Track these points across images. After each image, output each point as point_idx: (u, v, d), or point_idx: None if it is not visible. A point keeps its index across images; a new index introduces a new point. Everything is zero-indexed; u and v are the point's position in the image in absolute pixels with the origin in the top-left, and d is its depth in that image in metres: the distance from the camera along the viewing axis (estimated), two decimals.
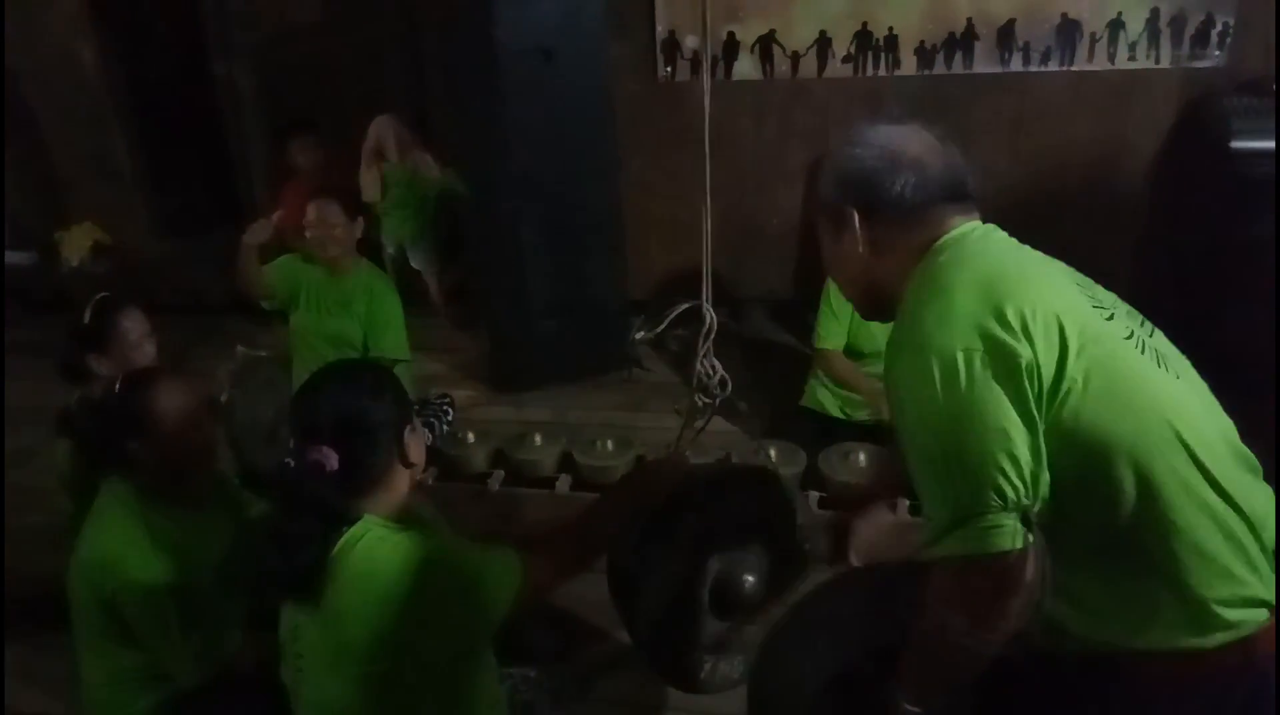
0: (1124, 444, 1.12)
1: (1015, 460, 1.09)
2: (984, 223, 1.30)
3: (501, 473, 2.91)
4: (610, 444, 2.87)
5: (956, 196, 1.27)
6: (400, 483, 1.46)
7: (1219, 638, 1.15)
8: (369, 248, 3.44)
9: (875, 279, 1.31)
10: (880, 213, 1.27)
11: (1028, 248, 1.28)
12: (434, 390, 3.65)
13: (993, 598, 1.12)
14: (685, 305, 3.45)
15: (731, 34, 3.73)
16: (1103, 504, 1.15)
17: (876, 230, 1.28)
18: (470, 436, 3.01)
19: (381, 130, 4.07)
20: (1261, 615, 1.16)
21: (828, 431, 2.96)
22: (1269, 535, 1.20)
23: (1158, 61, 3.42)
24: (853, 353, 2.98)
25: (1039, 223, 3.69)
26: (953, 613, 1.15)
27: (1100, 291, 1.26)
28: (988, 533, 1.10)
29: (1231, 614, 1.15)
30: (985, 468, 1.09)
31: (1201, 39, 3.36)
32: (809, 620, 1.56)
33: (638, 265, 4.12)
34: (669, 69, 3.87)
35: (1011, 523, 1.10)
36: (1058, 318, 1.13)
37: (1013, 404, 1.10)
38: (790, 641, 1.55)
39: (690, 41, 3.79)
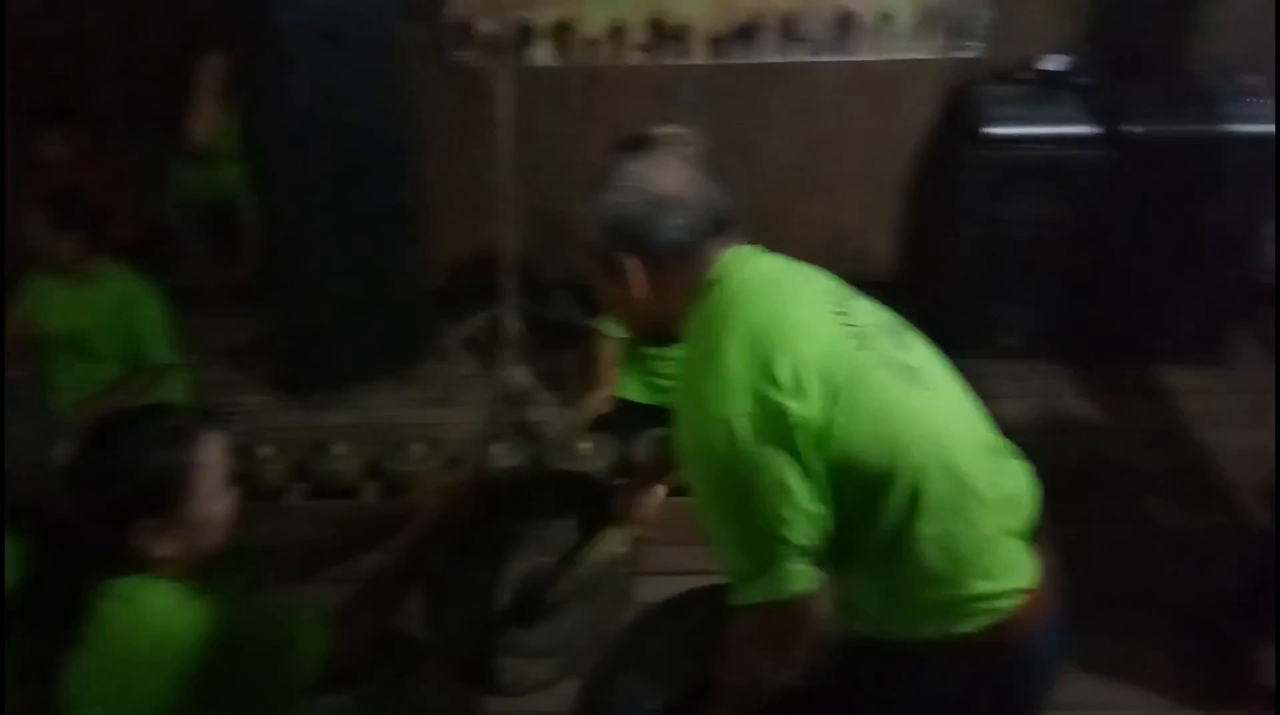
0: (888, 468, 1.24)
1: (799, 509, 1.20)
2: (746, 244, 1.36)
3: (302, 486, 2.79)
4: (419, 447, 2.80)
5: (721, 227, 1.33)
6: (192, 533, 1.39)
7: (977, 622, 1.29)
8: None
9: (656, 317, 1.37)
10: (655, 258, 1.30)
11: (787, 266, 1.35)
12: (219, 399, 3.42)
13: (792, 637, 1.27)
14: (487, 314, 3.44)
15: (526, 20, 3.67)
16: (875, 524, 1.26)
17: (654, 274, 1.31)
18: (265, 450, 2.85)
19: (214, 72, 3.71)
20: (1016, 600, 1.30)
21: (643, 419, 3.01)
22: (1025, 510, 1.36)
23: (925, 52, 3.66)
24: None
25: (824, 206, 3.99)
26: (756, 653, 1.28)
27: (857, 306, 1.35)
28: (782, 580, 1.21)
29: (988, 605, 1.29)
30: (773, 522, 1.20)
31: (960, 30, 3.63)
32: (626, 662, 1.63)
33: (441, 253, 4.02)
34: (462, 54, 3.76)
35: (803, 567, 1.22)
36: (822, 365, 1.22)
37: (790, 458, 1.20)
38: (609, 684, 1.62)
39: (484, 25, 3.71)
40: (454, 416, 3.38)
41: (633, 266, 1.31)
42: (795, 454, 1.20)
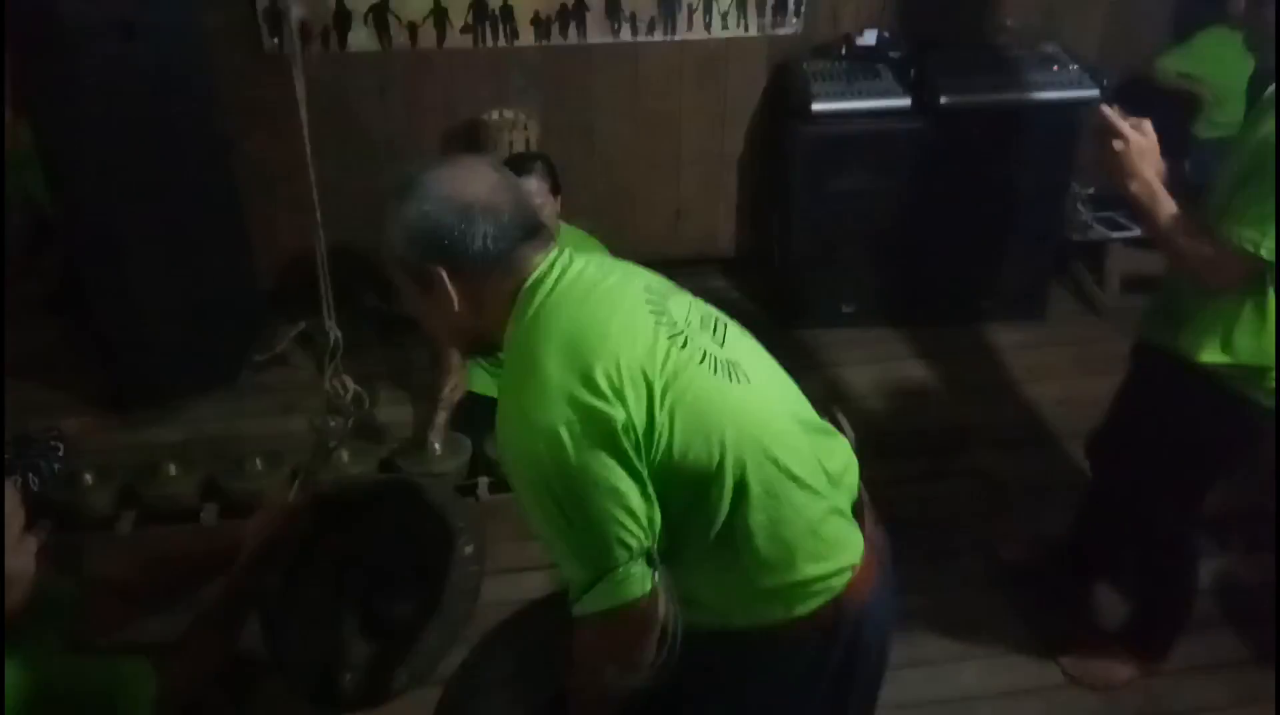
0: (714, 465, 1.26)
1: (631, 512, 1.21)
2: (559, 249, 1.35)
3: (133, 513, 2.61)
4: (259, 461, 2.66)
5: (531, 233, 1.31)
6: None
7: (813, 603, 1.34)
8: None
9: (473, 329, 1.35)
10: (467, 269, 1.27)
11: (602, 268, 1.35)
12: (34, 424, 3.15)
13: (635, 641, 1.27)
14: (301, 325, 3.28)
15: (340, 3, 3.51)
16: (707, 519, 1.29)
17: (468, 285, 1.29)
18: (88, 476, 2.65)
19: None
20: (845, 577, 1.36)
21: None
22: (848, 486, 1.44)
23: (746, 29, 3.72)
24: None
25: (663, 185, 4.01)
26: (603, 661, 1.31)
27: (675, 302, 1.36)
28: (620, 585, 1.22)
29: (821, 585, 1.34)
30: (606, 527, 1.20)
31: (780, 7, 3.70)
32: (478, 686, 1.62)
33: (267, 251, 3.82)
34: (275, 40, 3.56)
35: (639, 569, 1.23)
36: (641, 368, 1.23)
37: (617, 462, 1.20)
38: (464, 710, 1.60)
39: (295, 10, 3.51)
40: (294, 425, 3.22)
41: (444, 278, 1.28)
42: (622, 457, 1.20)
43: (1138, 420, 2.19)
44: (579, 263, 1.33)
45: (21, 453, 2.99)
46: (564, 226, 2.91)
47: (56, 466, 3.07)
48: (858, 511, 1.44)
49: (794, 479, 1.31)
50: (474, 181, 1.27)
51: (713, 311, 1.42)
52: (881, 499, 2.71)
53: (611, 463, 1.19)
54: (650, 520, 1.23)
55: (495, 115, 3.64)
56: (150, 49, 2.98)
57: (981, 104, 3.44)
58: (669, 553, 1.28)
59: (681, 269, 4.06)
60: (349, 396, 1.89)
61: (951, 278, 3.76)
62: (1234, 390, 1.94)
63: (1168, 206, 1.80)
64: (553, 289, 1.28)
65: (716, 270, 4.21)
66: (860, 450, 2.82)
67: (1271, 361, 1.87)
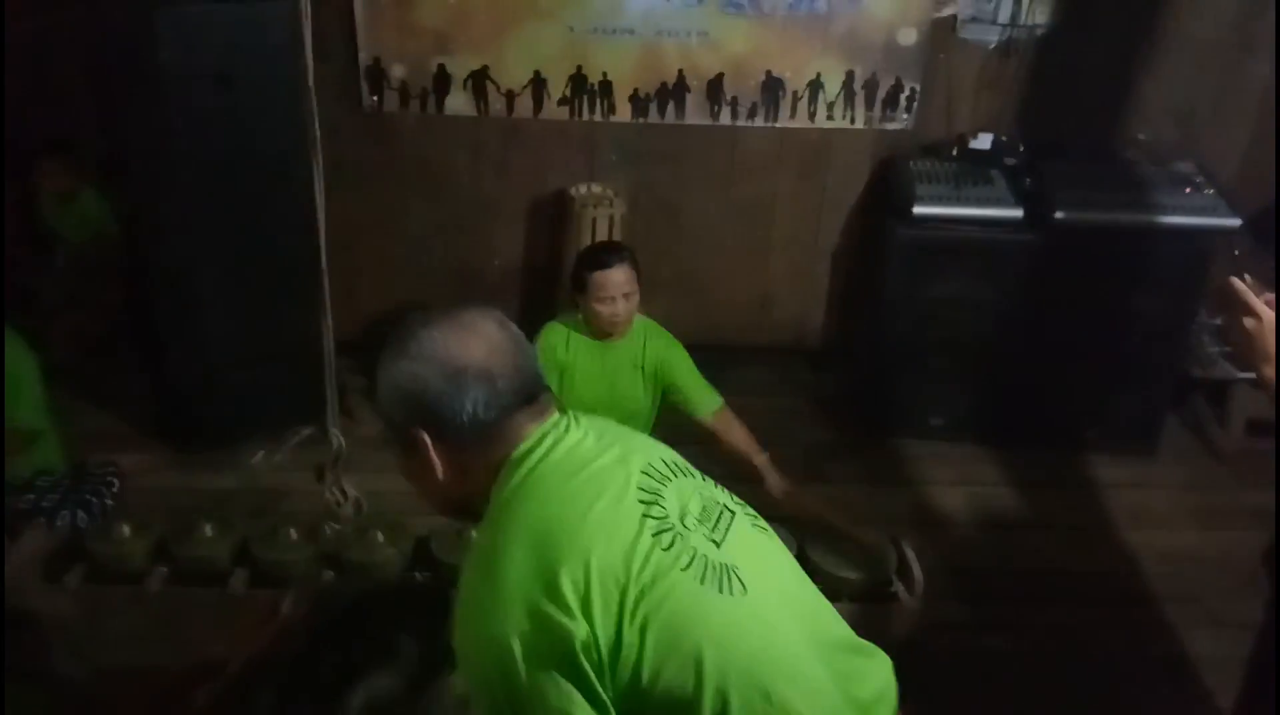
0: (691, 690, 1.08)
1: None
2: (559, 415, 1.23)
3: (164, 570, 2.55)
4: (293, 533, 2.57)
5: (528, 399, 1.19)
6: None
7: None
8: None
9: (458, 495, 1.23)
10: (453, 436, 1.16)
11: (600, 441, 1.21)
12: (93, 457, 3.17)
13: None
14: (307, 431, 3.24)
15: (442, 66, 3.50)
16: None
17: (453, 453, 1.18)
18: (125, 528, 2.60)
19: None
20: None
21: None
22: (884, 711, 1.22)
23: (853, 122, 3.55)
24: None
25: (750, 271, 3.85)
26: None
27: (674, 489, 1.20)
28: None
29: None
30: None
31: (891, 102, 3.53)
32: None
33: (344, 306, 3.80)
34: (375, 98, 3.57)
35: None
36: (614, 573, 1.08)
37: (573, 685, 1.05)
38: None
39: (397, 70, 3.52)
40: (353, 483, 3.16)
41: (428, 445, 1.17)
42: (581, 681, 1.05)
43: None
44: (575, 434, 1.20)
45: (75, 487, 3.00)
46: (640, 320, 2.78)
47: (109, 503, 3.07)
48: None
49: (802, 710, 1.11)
50: (472, 343, 1.16)
51: (721, 499, 1.26)
52: (943, 647, 2.55)
53: (566, 686, 1.04)
54: None
55: (583, 189, 3.56)
56: (246, 100, 3.00)
57: (1101, 223, 3.18)
58: None
59: (766, 358, 4.00)
60: (348, 504, 1.80)
61: (1054, 401, 3.48)
62: None
63: None
64: (537, 465, 1.16)
65: (803, 363, 4.02)
66: (927, 583, 2.65)
67: None
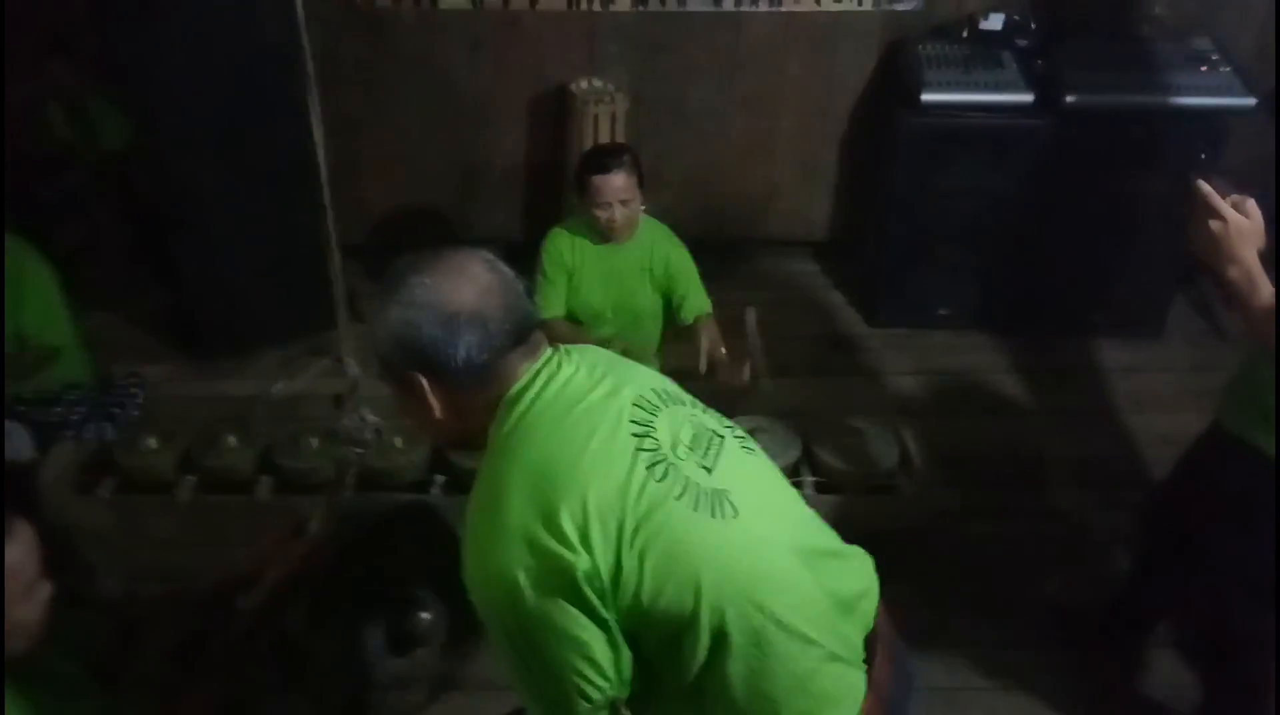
0: (688, 612, 1.15)
1: (593, 662, 1.14)
2: (551, 351, 1.26)
3: (191, 480, 2.66)
4: (315, 441, 2.66)
5: (520, 339, 1.22)
6: None
7: None
8: None
9: (457, 432, 1.28)
10: (449, 379, 1.20)
11: (591, 376, 1.25)
12: (118, 368, 3.25)
13: None
14: (324, 360, 3.25)
15: None
16: (681, 666, 1.18)
17: (449, 395, 1.22)
18: (151, 441, 2.70)
19: None
20: None
21: None
22: (866, 606, 1.32)
23: (860, 3, 3.44)
24: (572, 319, 2.89)
25: (758, 164, 3.80)
26: None
27: (666, 418, 1.24)
28: None
29: None
30: (566, 674, 1.14)
31: None
32: None
33: (350, 210, 3.80)
34: None
35: None
36: (611, 506, 1.13)
37: (579, 610, 1.12)
38: None
39: None
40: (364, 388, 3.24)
41: (425, 387, 1.21)
42: (584, 606, 1.13)
43: (1212, 514, 1.97)
44: (568, 369, 1.24)
45: (101, 399, 3.09)
46: (647, 222, 2.78)
47: (135, 413, 3.17)
48: (871, 644, 1.31)
49: (783, 627, 1.19)
50: (463, 286, 1.19)
51: (711, 425, 1.31)
52: (942, 535, 2.64)
53: (573, 611, 1.12)
54: (617, 668, 1.16)
55: (584, 84, 3.49)
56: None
57: (1113, 105, 3.12)
58: (641, 694, 1.21)
59: (772, 250, 3.99)
60: (367, 431, 1.86)
61: (1061, 286, 3.48)
62: None
63: (1266, 293, 1.59)
64: (532, 404, 1.20)
65: (808, 254, 4.02)
66: (929, 473, 2.73)
67: None
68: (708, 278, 2.89)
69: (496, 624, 1.16)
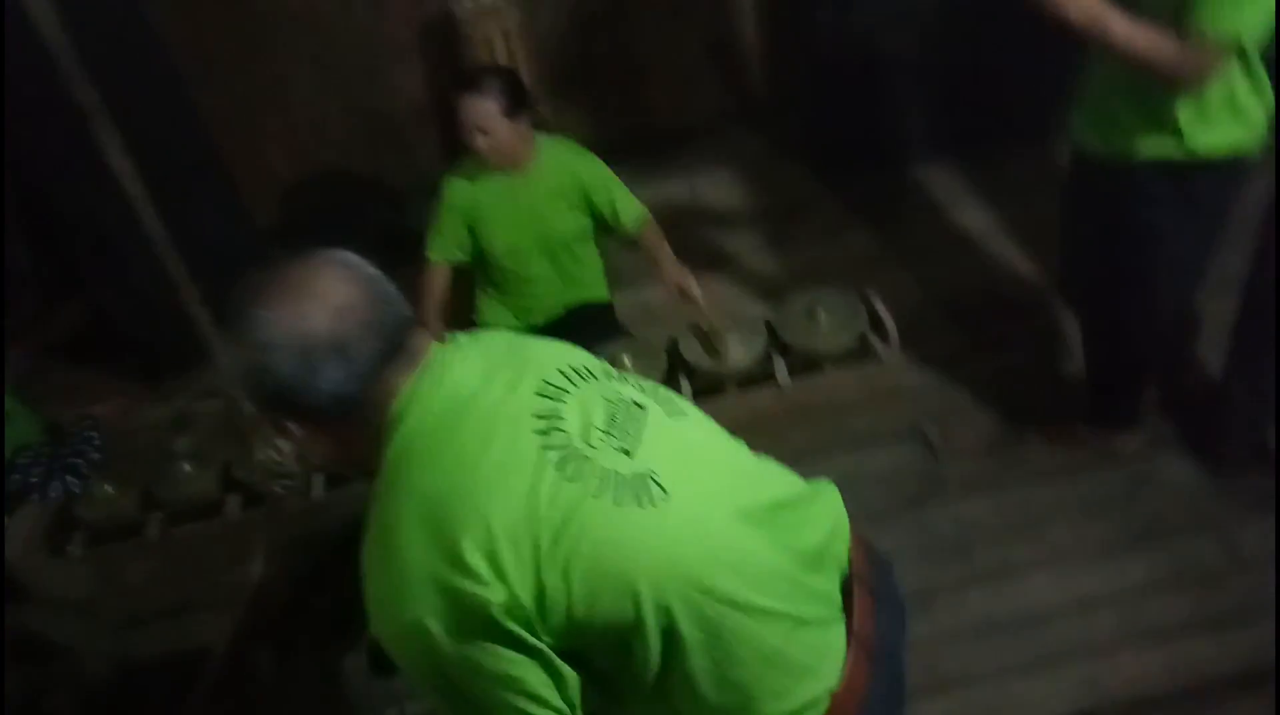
0: (630, 617, 1.03)
1: (532, 696, 1.02)
2: (435, 349, 1.11)
3: (159, 515, 2.58)
4: (273, 452, 2.55)
5: (393, 351, 1.06)
6: None
7: None
8: None
9: (351, 462, 1.14)
10: (320, 417, 1.05)
11: (486, 369, 1.10)
12: (67, 416, 3.13)
13: None
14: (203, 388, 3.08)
15: None
16: (638, 673, 1.07)
17: (325, 431, 1.08)
18: (108, 488, 2.60)
19: None
20: (822, 705, 1.13)
21: None
22: (837, 548, 1.20)
23: None
24: (502, 267, 2.72)
25: (665, 50, 3.55)
26: None
27: (575, 403, 1.10)
28: None
29: None
30: None
31: None
32: None
33: (262, 191, 3.63)
34: None
35: None
36: (520, 526, 1.00)
37: (504, 646, 1.00)
38: None
39: None
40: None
41: (298, 430, 1.07)
42: (510, 641, 1.00)
43: (1100, 238, 2.04)
44: (456, 370, 1.08)
45: (57, 452, 2.99)
46: (549, 141, 2.58)
47: (96, 457, 3.07)
48: (848, 587, 1.21)
49: (740, 608, 1.07)
50: (312, 312, 1.01)
51: (630, 395, 1.16)
52: (942, 381, 2.54)
53: (498, 649, 0.99)
54: (562, 696, 1.04)
55: (466, 4, 3.23)
56: None
57: None
58: (606, 702, 1.10)
59: (704, 134, 3.77)
60: (287, 460, 1.73)
61: (1015, 99, 3.23)
62: (1198, 180, 1.86)
63: (1118, 23, 1.69)
64: (418, 421, 1.05)
65: (744, 130, 3.80)
66: (917, 323, 2.61)
67: (1246, 139, 1.82)
68: (645, 175, 2.72)
69: (418, 677, 1.03)
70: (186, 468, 2.59)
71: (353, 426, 1.06)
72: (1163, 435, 2.36)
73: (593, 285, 2.77)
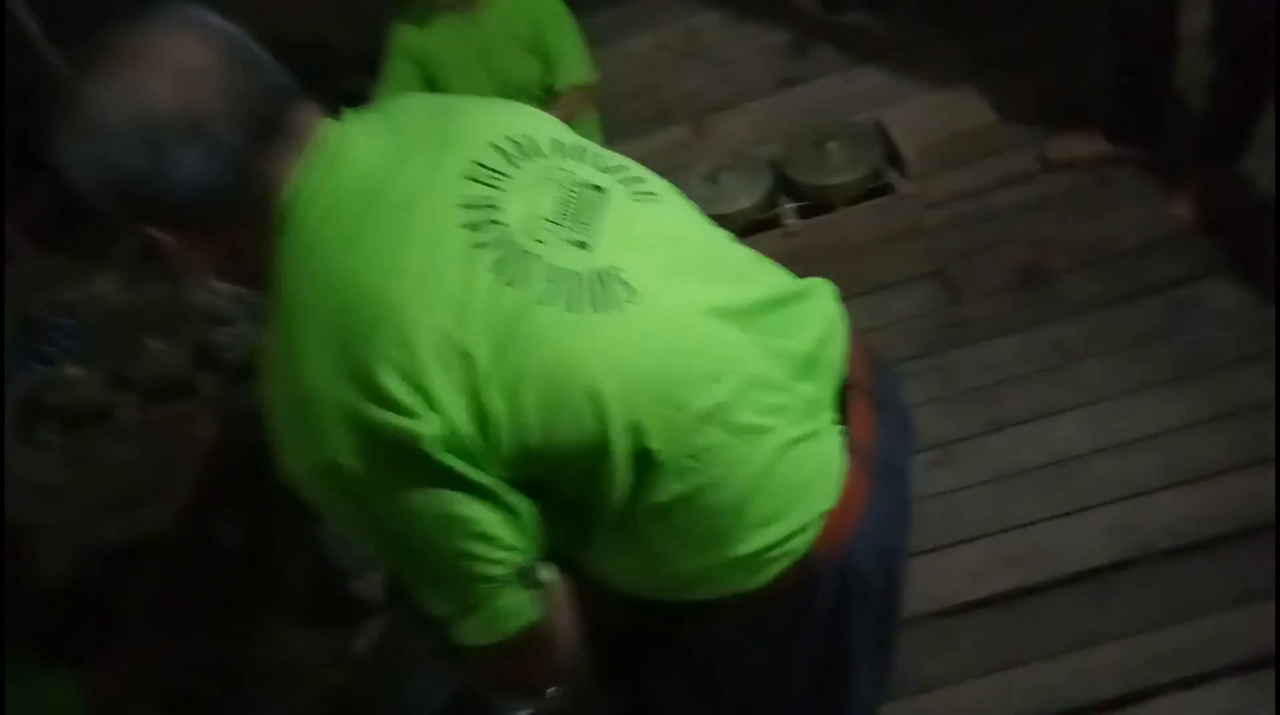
0: (593, 440, 0.86)
1: (483, 537, 0.86)
2: (330, 126, 0.89)
3: (131, 396, 2.45)
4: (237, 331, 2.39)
5: (271, 128, 0.84)
6: None
7: (770, 572, 0.97)
8: None
9: (246, 275, 0.91)
10: (186, 217, 0.84)
11: (398, 144, 0.89)
12: (32, 305, 2.97)
13: (531, 667, 0.98)
14: None
15: None
16: (606, 502, 0.90)
17: (201, 237, 0.87)
18: (75, 371, 2.48)
19: None
20: (811, 532, 0.96)
21: None
22: (831, 353, 1.02)
23: None
24: None
25: None
26: (505, 683, 1.02)
27: (516, 186, 0.89)
28: (494, 620, 0.90)
29: (778, 551, 0.96)
30: (457, 562, 0.87)
31: None
32: (407, 658, 1.39)
33: None
34: None
35: (513, 599, 0.90)
36: (449, 340, 0.81)
37: (441, 486, 0.83)
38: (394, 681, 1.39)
39: None
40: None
41: (169, 240, 0.86)
42: (447, 479, 0.82)
43: None
44: (360, 148, 0.87)
45: (31, 343, 2.84)
46: None
47: (70, 344, 2.92)
48: (845, 396, 1.02)
49: (721, 423, 0.90)
50: (154, 84, 0.80)
51: (586, 175, 0.94)
52: (963, 217, 2.33)
53: (434, 491, 0.82)
54: (519, 531, 0.88)
55: None
56: None
57: None
58: (571, 537, 0.94)
59: None
60: (222, 303, 1.56)
61: None
62: None
63: None
64: (312, 218, 0.84)
65: None
66: (936, 155, 2.37)
67: None
68: (612, 28, 2.44)
69: (350, 523, 0.88)
70: (156, 344, 2.44)
71: (237, 230, 0.86)
72: (1207, 260, 2.13)
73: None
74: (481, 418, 0.82)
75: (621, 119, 2.84)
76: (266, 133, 0.84)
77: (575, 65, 2.34)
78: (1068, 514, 1.80)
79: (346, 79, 3.20)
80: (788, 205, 2.46)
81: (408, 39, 2.31)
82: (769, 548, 0.95)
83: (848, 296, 1.10)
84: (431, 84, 2.34)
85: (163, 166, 0.80)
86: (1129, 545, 1.72)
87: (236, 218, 0.85)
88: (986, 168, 2.55)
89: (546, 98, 2.35)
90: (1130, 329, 2.07)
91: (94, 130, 0.81)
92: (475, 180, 0.88)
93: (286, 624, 1.67)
